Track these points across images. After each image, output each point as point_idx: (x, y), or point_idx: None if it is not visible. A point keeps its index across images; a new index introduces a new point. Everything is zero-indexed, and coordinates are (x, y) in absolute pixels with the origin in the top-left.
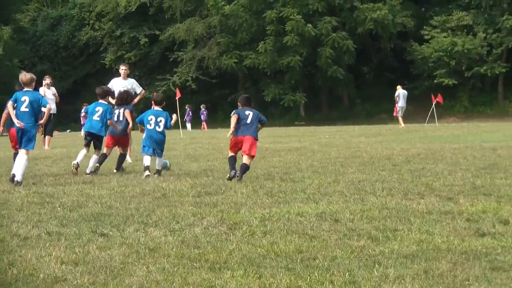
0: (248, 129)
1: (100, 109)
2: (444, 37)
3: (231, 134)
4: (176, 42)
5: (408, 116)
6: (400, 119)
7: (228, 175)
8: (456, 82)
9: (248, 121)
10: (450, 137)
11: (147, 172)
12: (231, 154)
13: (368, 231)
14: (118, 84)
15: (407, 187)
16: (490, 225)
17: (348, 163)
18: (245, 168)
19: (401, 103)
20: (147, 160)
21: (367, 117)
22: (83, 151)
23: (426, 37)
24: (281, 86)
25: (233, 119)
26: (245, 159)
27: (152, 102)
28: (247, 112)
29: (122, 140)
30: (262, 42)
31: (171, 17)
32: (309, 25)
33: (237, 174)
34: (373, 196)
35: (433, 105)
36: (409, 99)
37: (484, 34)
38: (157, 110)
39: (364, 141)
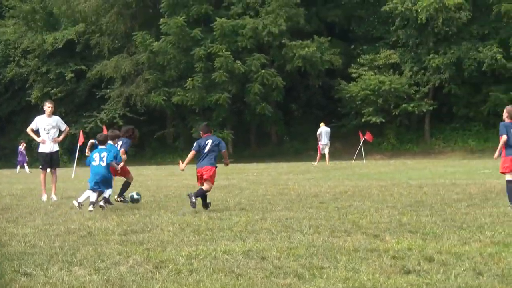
0: (206, 158)
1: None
2: (372, 75)
3: (183, 168)
4: (103, 79)
5: (336, 154)
6: (327, 156)
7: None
8: (383, 120)
9: (206, 150)
10: (377, 174)
11: (90, 207)
12: (200, 186)
13: (295, 269)
14: (43, 122)
15: (334, 225)
16: (415, 262)
17: (276, 201)
18: (201, 192)
19: (323, 140)
20: (91, 195)
21: (295, 154)
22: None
23: (353, 75)
24: (209, 123)
25: (190, 155)
26: (205, 185)
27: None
28: (206, 141)
29: (122, 170)
30: (190, 79)
31: (98, 54)
32: (238, 61)
33: (193, 202)
34: (300, 234)
35: (361, 142)
36: (337, 137)
37: (411, 73)
38: (101, 148)
39: (292, 178)
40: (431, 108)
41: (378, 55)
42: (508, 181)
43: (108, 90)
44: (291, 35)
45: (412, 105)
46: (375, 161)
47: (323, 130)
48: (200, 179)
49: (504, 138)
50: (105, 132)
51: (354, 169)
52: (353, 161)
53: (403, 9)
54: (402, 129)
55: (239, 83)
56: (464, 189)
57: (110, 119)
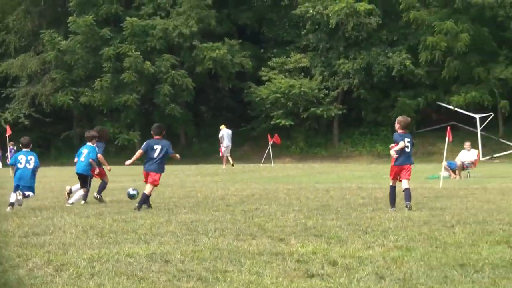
0: (153, 164)
1: (85, 151)
2: (282, 78)
3: (128, 164)
4: (9, 78)
5: (245, 157)
6: (229, 158)
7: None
8: (292, 123)
9: (155, 155)
10: (285, 177)
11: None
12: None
13: (198, 272)
14: None
15: (239, 228)
16: (319, 266)
17: (182, 203)
18: (144, 197)
19: (225, 142)
20: (12, 197)
21: (204, 156)
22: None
23: (264, 78)
24: (117, 124)
25: (138, 154)
26: (147, 188)
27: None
28: (155, 146)
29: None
30: (98, 79)
31: (4, 52)
32: (148, 62)
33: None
34: (205, 237)
35: (269, 145)
36: (247, 140)
37: (321, 77)
38: (26, 151)
39: (200, 181)
40: (340, 112)
41: (289, 58)
42: (392, 187)
43: (13, 89)
44: (202, 36)
45: (321, 109)
46: (283, 164)
47: (225, 133)
48: (146, 179)
49: (402, 144)
50: (8, 132)
51: (262, 172)
52: (261, 164)
53: (314, 13)
54: (311, 132)
55: (149, 84)
56: (370, 193)
57: (15, 119)
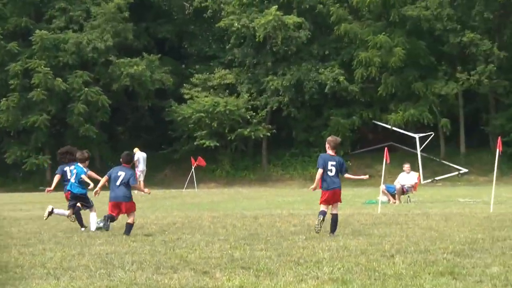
0: (121, 193)
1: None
2: (206, 96)
3: (97, 192)
4: None
5: (166, 181)
6: (141, 183)
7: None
8: (217, 144)
9: (118, 183)
10: (209, 204)
11: None
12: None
13: None
14: None
15: (159, 260)
16: None
17: (96, 233)
18: (130, 228)
19: (141, 166)
20: None
21: None
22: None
23: (186, 96)
24: (24, 147)
25: (104, 180)
26: (130, 218)
27: None
28: (119, 173)
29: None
30: (4, 98)
31: None
32: (59, 78)
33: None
34: (121, 271)
35: (193, 168)
36: (168, 163)
37: (248, 94)
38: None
39: None
40: (268, 133)
41: (213, 75)
42: (322, 211)
43: None
44: (119, 51)
45: (248, 129)
46: (208, 189)
47: (140, 156)
48: (116, 209)
49: (320, 171)
50: None
51: (185, 198)
52: (184, 190)
53: (239, 26)
54: (238, 155)
55: (60, 103)
56: (303, 220)
57: None
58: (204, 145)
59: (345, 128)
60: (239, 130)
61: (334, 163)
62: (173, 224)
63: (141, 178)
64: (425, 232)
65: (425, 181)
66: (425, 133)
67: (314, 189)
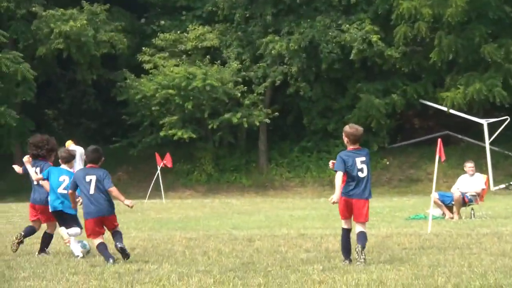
0: (101, 201)
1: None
2: (175, 65)
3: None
4: None
5: (120, 188)
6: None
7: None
8: (194, 136)
9: (92, 190)
10: (183, 221)
11: None
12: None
13: None
14: None
15: None
16: None
17: (20, 263)
18: (121, 248)
19: (77, 166)
20: None
21: None
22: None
23: (146, 65)
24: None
25: (71, 195)
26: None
27: None
28: (87, 178)
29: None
30: None
31: None
32: None
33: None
34: None
35: (158, 170)
36: (122, 162)
37: (237, 62)
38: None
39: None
40: (268, 120)
41: (185, 34)
42: (344, 230)
43: None
44: (47, 0)
45: (239, 114)
46: (181, 200)
47: (77, 152)
48: (99, 228)
49: (339, 174)
50: None
51: (148, 213)
52: (145, 200)
53: None
54: (224, 150)
55: None
56: (319, 243)
57: None
58: (175, 137)
59: (380, 112)
60: (225, 115)
61: (363, 158)
62: (131, 249)
63: None
64: (496, 260)
65: (496, 187)
66: (497, 117)
67: (336, 201)
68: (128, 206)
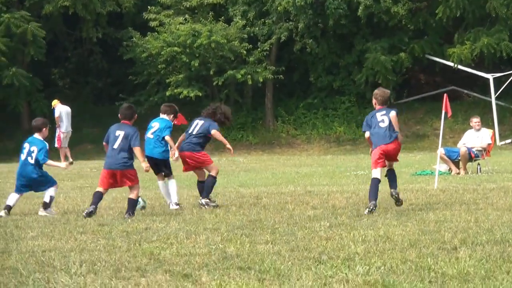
0: (118, 156)
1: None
2: (181, 23)
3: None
4: None
5: None
6: (68, 152)
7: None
8: (200, 94)
9: (116, 145)
10: (190, 178)
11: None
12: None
13: None
14: None
15: (120, 259)
16: None
17: (28, 223)
18: (133, 203)
19: (64, 127)
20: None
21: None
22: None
23: (152, 23)
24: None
25: (106, 146)
26: (133, 194)
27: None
28: (117, 133)
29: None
30: None
31: None
32: None
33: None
34: (65, 275)
35: None
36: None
37: (243, 19)
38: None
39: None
40: (273, 76)
41: None
42: (375, 179)
43: None
44: None
45: (244, 70)
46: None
47: (63, 111)
48: (110, 180)
49: (366, 134)
50: None
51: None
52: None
53: None
54: (230, 108)
55: None
56: (325, 200)
57: None
58: (181, 96)
59: (387, 69)
60: (230, 71)
61: (384, 112)
62: (139, 208)
63: (65, 144)
64: (503, 215)
65: (503, 142)
66: (503, 72)
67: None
68: (144, 169)
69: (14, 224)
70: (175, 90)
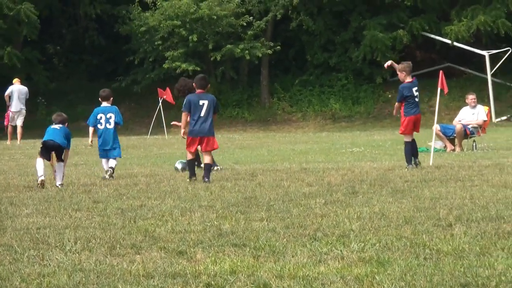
0: (205, 124)
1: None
2: None
3: (183, 134)
4: None
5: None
6: (19, 130)
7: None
8: (197, 69)
9: (203, 113)
10: (185, 156)
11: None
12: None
13: None
14: None
15: (115, 236)
16: None
17: (22, 199)
18: (208, 168)
19: (15, 106)
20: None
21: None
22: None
23: None
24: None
25: (184, 118)
26: (207, 158)
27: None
28: (201, 102)
29: None
30: None
31: None
32: None
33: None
34: (60, 252)
35: (160, 104)
36: (125, 99)
37: None
38: (105, 106)
39: (47, 163)
40: (270, 51)
41: None
42: (407, 143)
43: None
44: None
45: (241, 46)
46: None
47: (15, 90)
48: (194, 146)
49: (397, 105)
50: None
51: (150, 149)
52: (148, 136)
53: None
54: (226, 84)
55: None
56: (321, 177)
57: None
58: (178, 70)
59: (385, 46)
60: (228, 46)
61: (416, 87)
62: (134, 185)
63: (17, 122)
64: (498, 192)
65: (498, 119)
66: (499, 48)
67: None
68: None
69: (8, 201)
70: (173, 64)
